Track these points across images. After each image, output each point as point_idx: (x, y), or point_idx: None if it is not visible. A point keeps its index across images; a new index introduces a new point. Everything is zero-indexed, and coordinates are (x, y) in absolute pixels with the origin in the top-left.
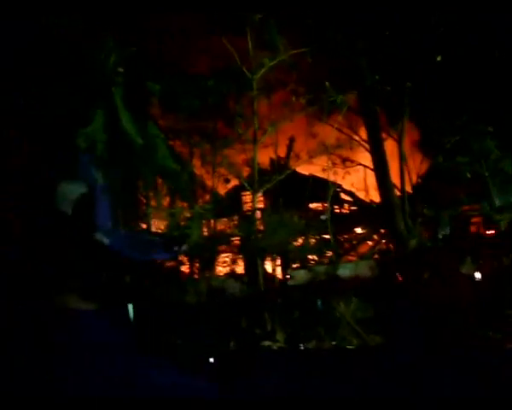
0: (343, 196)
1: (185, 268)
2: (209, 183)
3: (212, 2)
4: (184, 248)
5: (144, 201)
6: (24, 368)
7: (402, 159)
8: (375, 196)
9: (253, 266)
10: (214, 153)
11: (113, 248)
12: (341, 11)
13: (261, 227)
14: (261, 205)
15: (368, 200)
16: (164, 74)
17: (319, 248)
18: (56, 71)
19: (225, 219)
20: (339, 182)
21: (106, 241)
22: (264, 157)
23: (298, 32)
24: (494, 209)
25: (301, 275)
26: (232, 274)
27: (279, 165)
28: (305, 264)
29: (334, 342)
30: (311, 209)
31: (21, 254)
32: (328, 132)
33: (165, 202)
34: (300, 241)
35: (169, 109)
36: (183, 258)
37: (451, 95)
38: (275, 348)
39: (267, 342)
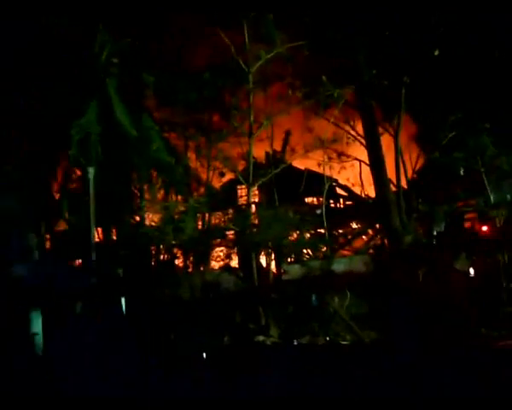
0: (338, 190)
1: (179, 262)
2: (204, 176)
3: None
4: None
5: (138, 194)
6: None
7: (398, 154)
8: (371, 191)
9: (248, 260)
10: (209, 146)
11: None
12: (340, 7)
13: (256, 221)
14: (256, 199)
15: (363, 195)
16: (159, 67)
17: (314, 243)
18: (50, 63)
19: (220, 213)
20: (334, 176)
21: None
22: (259, 151)
23: (295, 26)
24: (489, 206)
25: (296, 270)
26: (227, 268)
27: (274, 159)
28: (299, 258)
29: (328, 338)
30: (307, 203)
31: None
32: (325, 127)
33: (160, 195)
34: (295, 235)
35: (164, 102)
36: (178, 252)
37: (448, 91)
38: (268, 343)
39: (261, 337)
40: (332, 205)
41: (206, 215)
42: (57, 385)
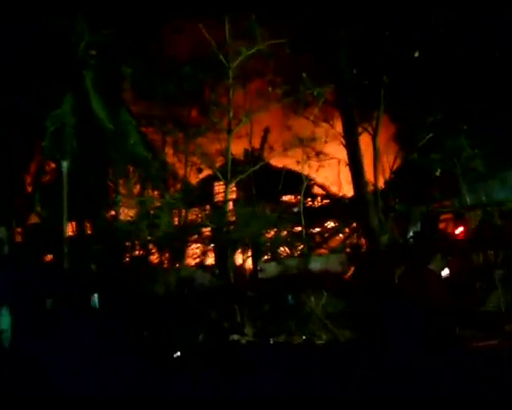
0: (316, 189)
1: (155, 258)
2: (181, 172)
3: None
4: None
5: (114, 188)
6: None
7: (376, 153)
8: (348, 190)
9: (224, 257)
10: (187, 141)
11: None
12: (322, 6)
13: (233, 218)
14: (234, 196)
15: (341, 194)
16: (138, 59)
17: (291, 241)
18: (26, 51)
19: (197, 210)
20: (312, 175)
21: None
22: (238, 148)
23: (276, 23)
24: (464, 207)
25: (272, 268)
26: (202, 265)
27: (253, 156)
28: (276, 257)
29: (304, 337)
30: (284, 202)
31: None
32: (304, 125)
33: (136, 189)
34: (272, 233)
35: (142, 95)
36: (153, 248)
37: (428, 92)
38: (243, 341)
39: (236, 336)
40: (309, 203)
41: (183, 211)
42: (26, 382)
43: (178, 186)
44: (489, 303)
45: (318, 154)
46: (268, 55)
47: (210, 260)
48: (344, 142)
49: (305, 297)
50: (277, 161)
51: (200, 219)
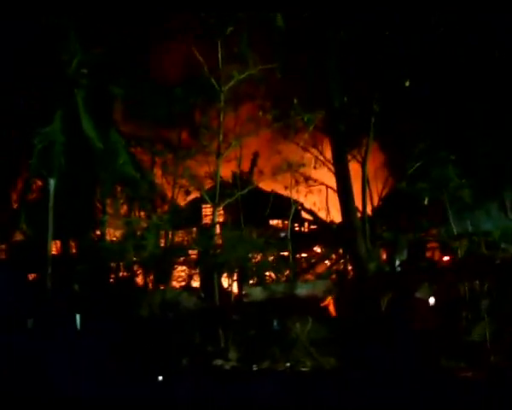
0: (304, 214)
1: (140, 280)
2: (169, 193)
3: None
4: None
5: (101, 207)
6: None
7: (365, 181)
8: (336, 216)
9: (210, 280)
10: (176, 163)
11: None
12: (313, 32)
13: (220, 242)
14: (221, 219)
15: (328, 220)
16: (130, 79)
17: (277, 266)
18: (17, 67)
19: (183, 232)
20: (301, 200)
21: None
22: (226, 171)
23: (269, 48)
24: (451, 236)
25: (258, 292)
26: (188, 288)
27: (242, 180)
28: (262, 281)
29: (288, 364)
30: (272, 226)
31: None
32: (293, 150)
33: (123, 210)
34: (259, 258)
35: (132, 115)
36: (138, 269)
37: (416, 121)
38: (227, 367)
39: (220, 361)
40: (297, 228)
41: (170, 233)
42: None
43: (166, 207)
44: (474, 333)
45: (307, 179)
46: (259, 79)
47: (196, 283)
48: (333, 168)
49: (290, 323)
50: (266, 185)
51: (186, 242)
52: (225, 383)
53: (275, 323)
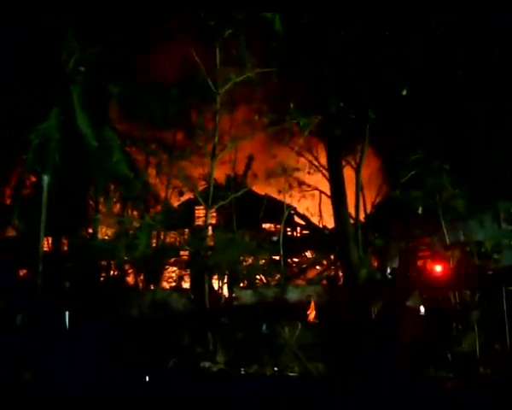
0: (297, 219)
1: (130, 279)
2: (162, 193)
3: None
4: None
5: (93, 205)
6: None
7: (358, 188)
8: (329, 222)
9: (200, 282)
10: (171, 164)
11: None
12: (311, 36)
13: (212, 243)
14: (214, 221)
15: (321, 225)
16: (126, 78)
17: (268, 270)
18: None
19: (176, 233)
20: (294, 205)
21: None
22: (220, 173)
23: (266, 52)
24: (444, 245)
25: (248, 296)
26: (178, 289)
27: (235, 182)
28: (252, 284)
29: (276, 368)
30: (264, 229)
31: None
32: (288, 154)
33: (116, 208)
34: (250, 261)
35: (128, 114)
36: (129, 268)
37: (412, 130)
38: (215, 369)
39: (207, 363)
40: (289, 233)
41: (162, 233)
42: None
43: (159, 208)
44: (464, 343)
45: (301, 184)
46: (256, 83)
47: (186, 284)
48: (327, 174)
49: (279, 328)
50: (259, 189)
51: (178, 243)
52: (211, 386)
53: (264, 327)
